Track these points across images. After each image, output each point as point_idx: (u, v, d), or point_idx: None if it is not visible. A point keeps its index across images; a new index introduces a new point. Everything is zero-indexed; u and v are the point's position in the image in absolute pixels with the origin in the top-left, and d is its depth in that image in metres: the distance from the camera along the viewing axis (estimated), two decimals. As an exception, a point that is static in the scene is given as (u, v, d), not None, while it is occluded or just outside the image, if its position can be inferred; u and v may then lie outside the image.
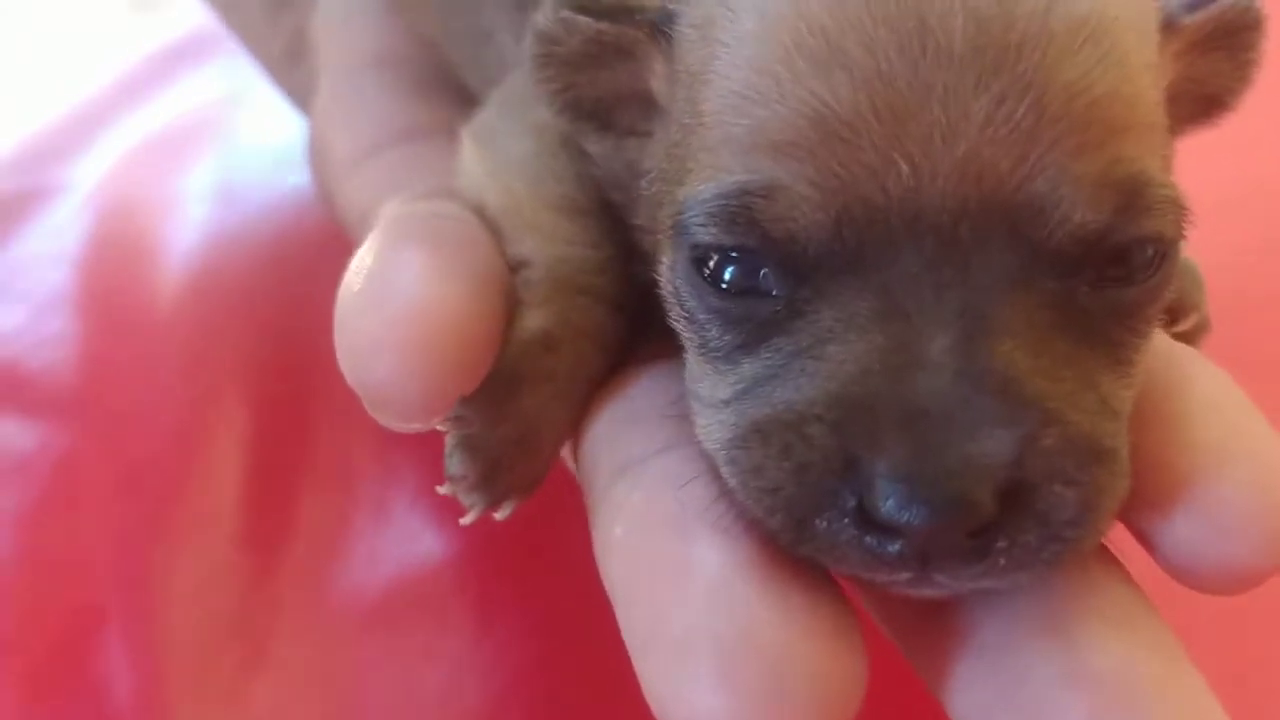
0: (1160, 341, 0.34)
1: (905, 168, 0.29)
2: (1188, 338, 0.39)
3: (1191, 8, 0.35)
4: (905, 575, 0.29)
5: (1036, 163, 0.29)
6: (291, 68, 0.63)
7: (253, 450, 0.58)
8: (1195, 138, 0.38)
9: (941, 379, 0.29)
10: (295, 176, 0.66)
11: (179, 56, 0.73)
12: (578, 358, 0.37)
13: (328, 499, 0.57)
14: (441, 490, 0.35)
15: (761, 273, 0.32)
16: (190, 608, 0.53)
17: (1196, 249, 0.35)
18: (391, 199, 0.40)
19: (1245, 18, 0.35)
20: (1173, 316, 0.40)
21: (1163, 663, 0.29)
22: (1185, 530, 0.30)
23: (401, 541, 0.56)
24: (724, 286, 0.32)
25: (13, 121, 0.69)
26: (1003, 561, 0.28)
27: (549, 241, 0.39)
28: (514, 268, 0.38)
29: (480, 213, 0.40)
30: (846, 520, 0.29)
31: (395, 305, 0.34)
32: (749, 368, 0.32)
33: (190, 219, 0.66)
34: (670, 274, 0.34)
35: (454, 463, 0.34)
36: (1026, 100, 0.29)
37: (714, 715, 0.27)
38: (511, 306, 0.37)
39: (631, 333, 0.39)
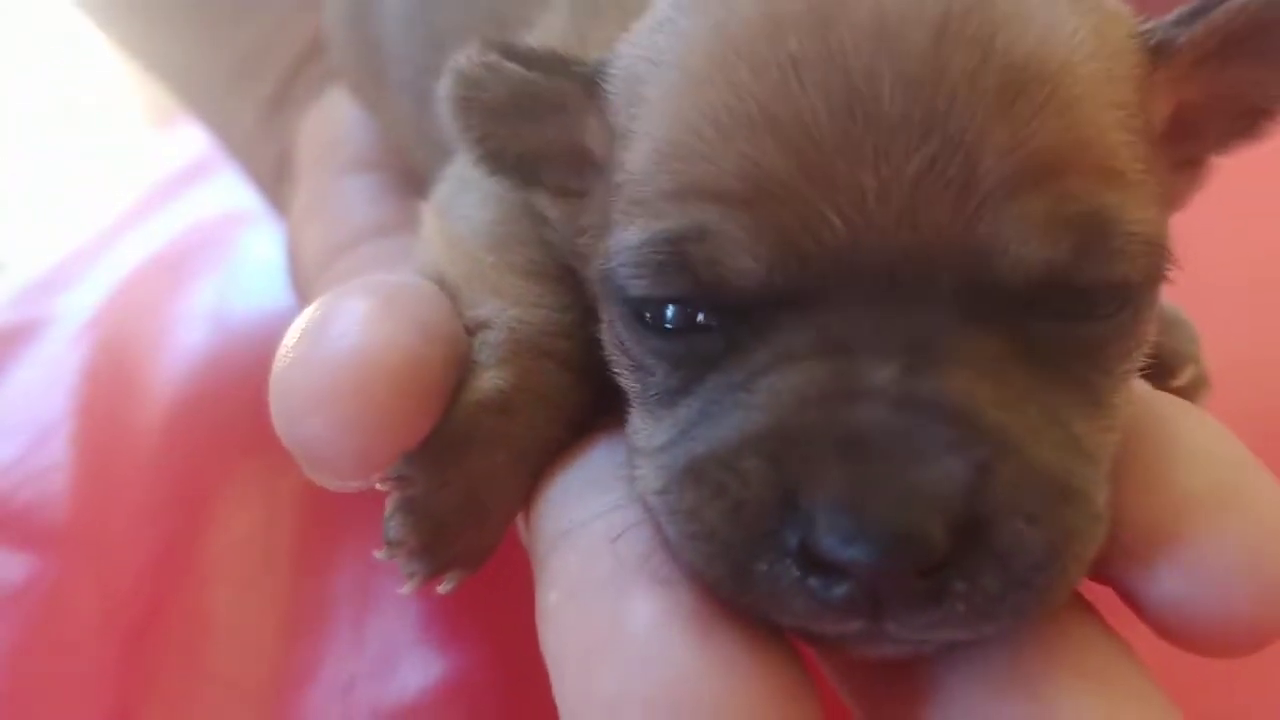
0: (1148, 394, 0.32)
1: (838, 223, 0.28)
2: (1186, 394, 0.37)
3: (1184, 23, 0.32)
4: (856, 625, 0.26)
5: (975, 211, 0.28)
6: (280, 180, 0.63)
7: (232, 582, 0.57)
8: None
9: (884, 406, 0.26)
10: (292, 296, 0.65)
11: (185, 177, 0.74)
12: (534, 423, 0.34)
13: (309, 633, 0.55)
14: (379, 555, 0.32)
15: (700, 314, 0.30)
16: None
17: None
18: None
19: (1270, 13, 0.32)
20: (1169, 371, 0.37)
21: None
22: (1172, 585, 0.27)
23: (382, 677, 0.54)
24: (667, 327, 0.30)
25: (20, 251, 0.70)
26: (961, 608, 0.26)
27: (511, 303, 0.36)
28: (472, 330, 0.35)
29: (440, 282, 0.37)
30: (788, 562, 0.26)
31: (331, 354, 0.31)
32: (685, 410, 0.30)
33: (185, 343, 0.65)
34: (610, 325, 0.32)
35: (393, 526, 0.32)
36: (957, 159, 0.28)
37: None
38: (463, 365, 0.34)
39: (595, 402, 0.36)
